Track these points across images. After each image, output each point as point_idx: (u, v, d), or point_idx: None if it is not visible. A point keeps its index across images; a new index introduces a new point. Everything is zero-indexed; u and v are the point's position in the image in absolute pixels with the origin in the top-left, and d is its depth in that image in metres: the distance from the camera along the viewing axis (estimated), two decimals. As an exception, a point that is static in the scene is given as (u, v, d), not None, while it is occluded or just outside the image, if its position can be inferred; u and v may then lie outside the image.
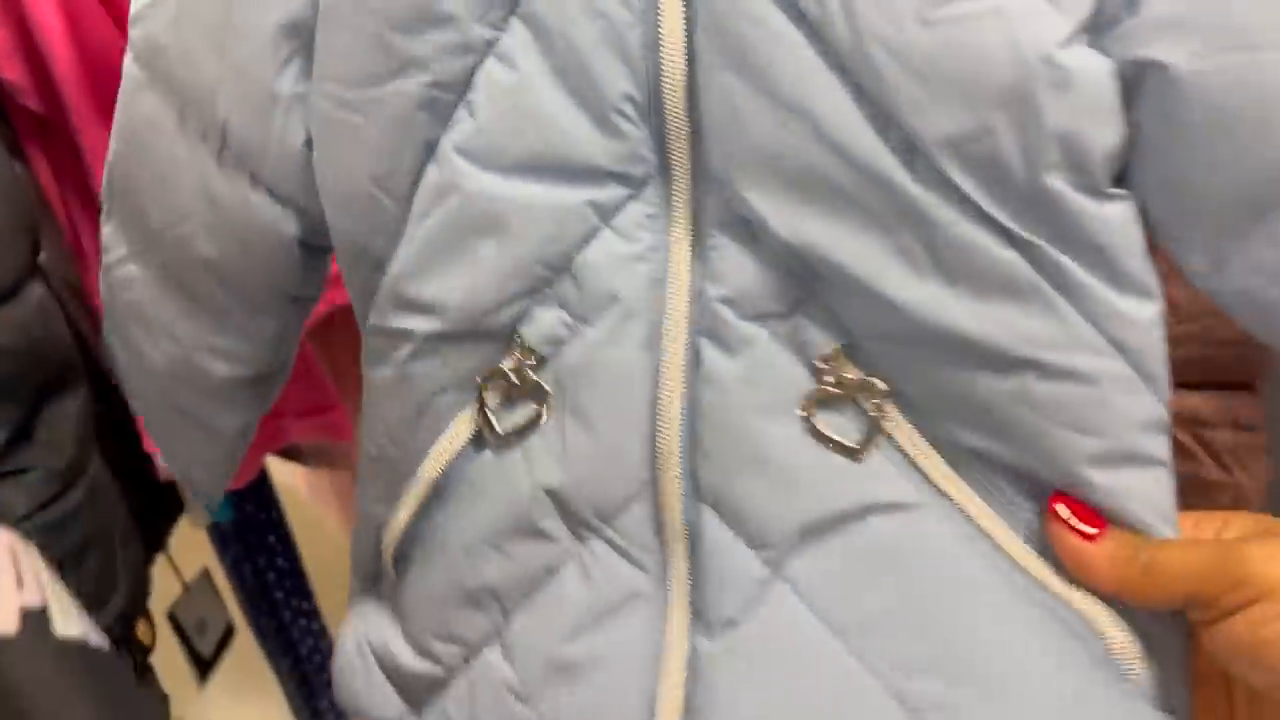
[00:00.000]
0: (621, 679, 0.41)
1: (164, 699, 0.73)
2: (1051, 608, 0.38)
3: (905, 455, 0.39)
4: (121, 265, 0.51)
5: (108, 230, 0.51)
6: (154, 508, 0.81)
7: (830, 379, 0.38)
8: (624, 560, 0.41)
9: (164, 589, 0.91)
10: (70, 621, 0.40)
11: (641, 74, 0.37)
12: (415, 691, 0.47)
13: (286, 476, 1.07)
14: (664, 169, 0.38)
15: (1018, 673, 0.38)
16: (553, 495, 0.42)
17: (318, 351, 0.84)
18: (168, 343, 0.51)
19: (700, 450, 0.39)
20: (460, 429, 0.43)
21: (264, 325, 0.51)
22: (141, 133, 0.47)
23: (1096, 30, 0.34)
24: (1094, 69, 0.34)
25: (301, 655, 1.06)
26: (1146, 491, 0.38)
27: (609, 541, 0.41)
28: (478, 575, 0.44)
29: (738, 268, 0.38)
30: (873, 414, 0.38)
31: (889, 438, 0.39)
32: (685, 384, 0.39)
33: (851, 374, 0.38)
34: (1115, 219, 0.35)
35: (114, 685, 0.42)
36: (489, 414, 0.42)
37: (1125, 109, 0.35)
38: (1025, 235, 0.35)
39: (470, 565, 0.44)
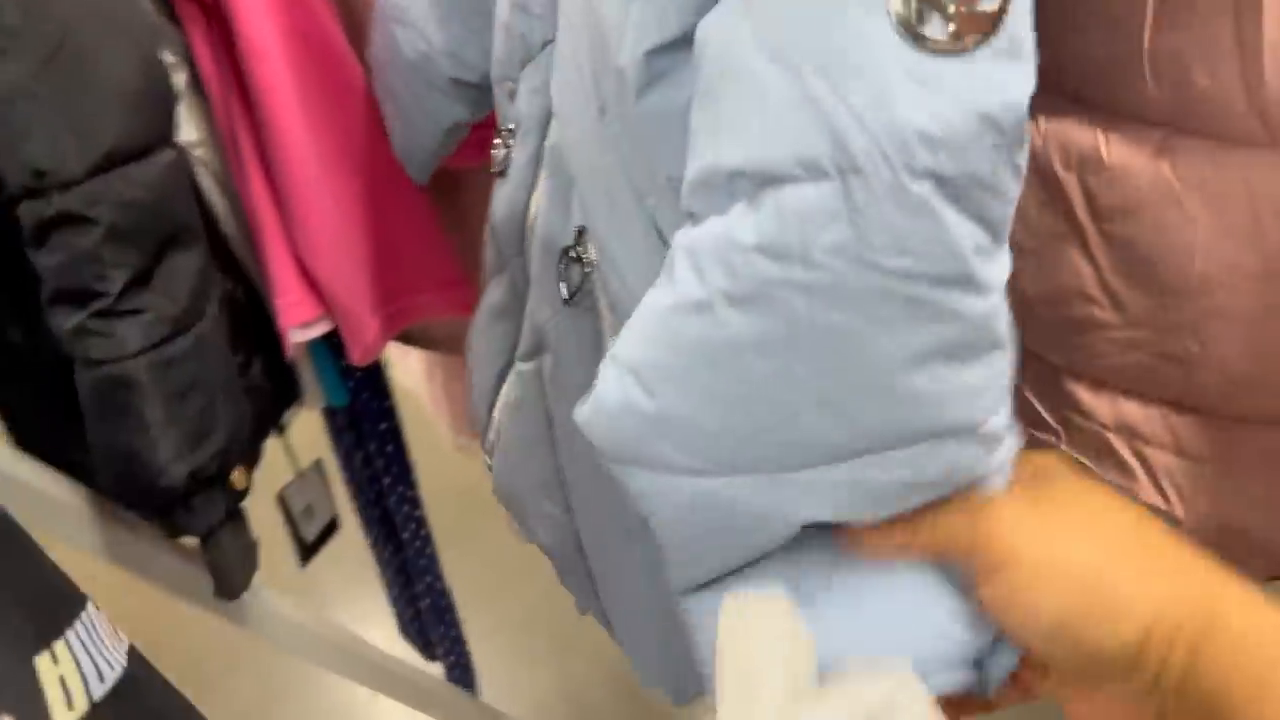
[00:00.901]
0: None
1: (253, 543, 0.81)
2: None
3: (597, 311, 0.52)
4: None
5: None
6: (276, 387, 0.87)
7: (576, 243, 0.51)
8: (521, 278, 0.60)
9: (278, 473, 0.97)
10: None
11: None
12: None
13: (401, 378, 1.10)
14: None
15: None
16: (491, 224, 0.62)
17: (448, 220, 0.86)
18: (420, 42, 0.69)
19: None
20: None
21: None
22: None
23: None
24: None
25: (403, 541, 1.10)
26: None
27: (517, 266, 0.60)
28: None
29: (555, 132, 0.53)
30: (586, 279, 0.51)
31: (595, 297, 0.51)
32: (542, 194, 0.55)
33: (582, 246, 0.51)
34: None
35: None
36: (495, 149, 0.60)
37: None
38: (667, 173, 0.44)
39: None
